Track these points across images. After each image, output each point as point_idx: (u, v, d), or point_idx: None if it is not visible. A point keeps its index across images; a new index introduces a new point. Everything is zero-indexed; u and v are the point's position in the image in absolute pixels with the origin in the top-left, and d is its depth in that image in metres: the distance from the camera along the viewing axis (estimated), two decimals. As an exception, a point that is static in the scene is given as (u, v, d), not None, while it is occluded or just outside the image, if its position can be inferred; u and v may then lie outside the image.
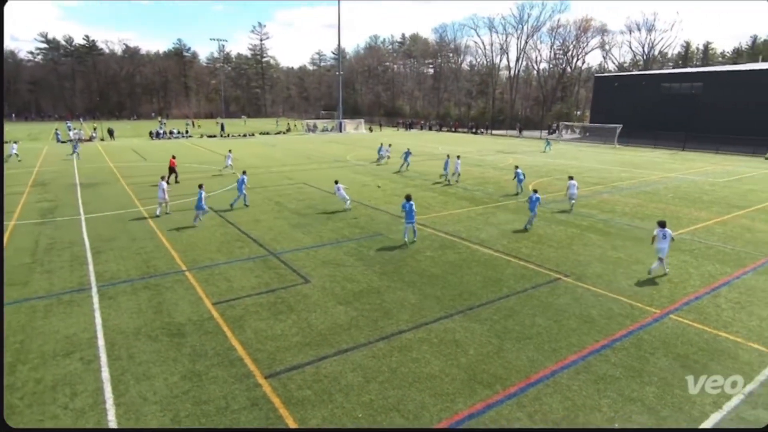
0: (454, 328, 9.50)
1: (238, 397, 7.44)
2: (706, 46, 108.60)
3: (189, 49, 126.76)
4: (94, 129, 63.85)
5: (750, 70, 56.93)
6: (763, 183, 27.97)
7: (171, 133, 60.94)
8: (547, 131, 68.17)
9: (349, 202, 19.60)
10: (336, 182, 20.31)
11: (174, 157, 27.52)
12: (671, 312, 10.29)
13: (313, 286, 11.51)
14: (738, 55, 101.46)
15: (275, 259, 13.38)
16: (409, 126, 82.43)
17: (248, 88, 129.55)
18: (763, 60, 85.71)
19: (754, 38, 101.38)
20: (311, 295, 11.02)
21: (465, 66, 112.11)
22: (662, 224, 12.37)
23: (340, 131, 70.23)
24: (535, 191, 17.04)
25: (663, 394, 7.58)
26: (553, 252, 14.19)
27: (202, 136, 61.49)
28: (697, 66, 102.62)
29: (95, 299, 10.82)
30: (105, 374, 7.99)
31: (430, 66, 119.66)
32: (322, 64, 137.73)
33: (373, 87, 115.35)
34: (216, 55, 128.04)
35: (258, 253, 13.89)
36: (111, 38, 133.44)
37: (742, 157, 42.40)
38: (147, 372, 8.06)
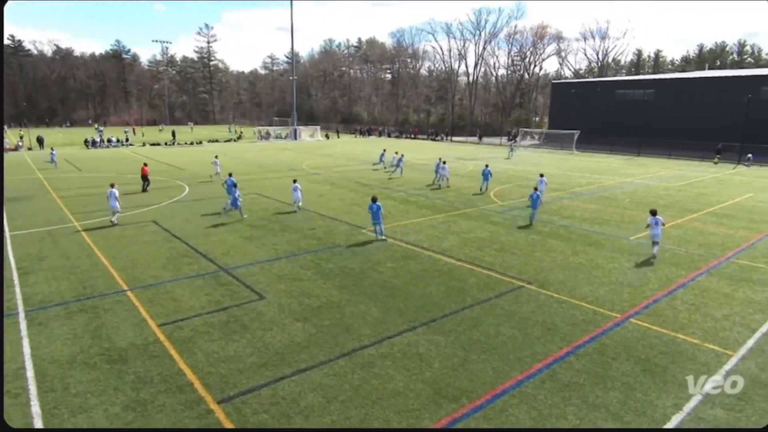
0: (417, 342, 9.56)
1: (189, 425, 7.16)
2: (657, 54, 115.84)
3: (128, 51, 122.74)
4: (21, 137, 60.45)
5: (698, 78, 60.99)
6: (712, 187, 29.90)
7: (109, 141, 58.56)
8: (506, 137, 70.33)
9: (300, 203, 20.81)
10: (294, 181, 21.72)
11: (146, 165, 27.04)
12: (632, 316, 10.78)
13: (269, 302, 11.30)
14: (686, 63, 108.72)
15: (227, 275, 13.05)
16: (368, 132, 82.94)
17: (195, 94, 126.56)
18: (710, 68, 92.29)
19: (701, 47, 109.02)
20: (266, 312, 10.81)
21: (423, 71, 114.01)
22: (654, 212, 14.98)
23: (295, 138, 69.79)
24: (536, 189, 19.74)
25: (626, 399, 7.90)
26: (515, 259, 14.58)
27: (144, 144, 59.44)
28: (648, 73, 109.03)
29: (23, 325, 10.16)
30: (35, 408, 7.50)
31: (388, 71, 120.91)
32: (275, 68, 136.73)
33: (329, 92, 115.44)
34: (159, 57, 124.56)
35: (208, 269, 13.51)
36: (40, 38, 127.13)
37: (693, 161, 45.20)
38: (84, 404, 7.63)
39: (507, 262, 14.36)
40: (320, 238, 16.64)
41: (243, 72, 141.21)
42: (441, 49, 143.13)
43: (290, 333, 9.87)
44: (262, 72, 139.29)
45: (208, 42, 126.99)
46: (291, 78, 75.02)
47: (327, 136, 74.60)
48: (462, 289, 12.12)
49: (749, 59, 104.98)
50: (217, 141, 64.87)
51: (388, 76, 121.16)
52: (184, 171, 34.08)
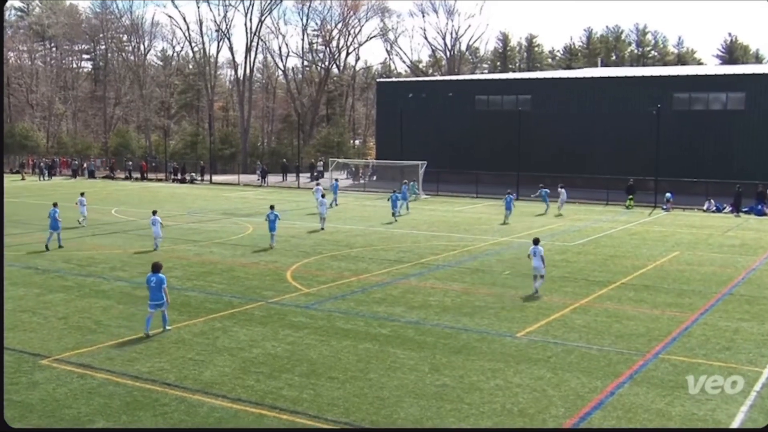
0: None
1: None
2: (530, 41, 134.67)
3: None
4: None
5: (590, 78, 72.05)
6: (625, 245, 35.02)
7: None
8: (295, 172, 72.74)
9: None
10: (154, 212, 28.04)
11: None
12: (530, 466, 11.71)
13: None
14: (572, 56, 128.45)
15: None
16: (48, 170, 78.49)
17: None
18: (603, 64, 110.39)
19: (589, 33, 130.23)
20: None
21: (154, 59, 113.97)
22: (536, 242, 23.44)
23: None
24: (510, 192, 36.49)
25: None
26: (337, 389, 14.84)
27: None
28: (521, 70, 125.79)
29: None
30: None
31: (87, 57, 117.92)
32: None
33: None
34: None
35: None
36: None
37: (595, 206, 52.64)
38: None
39: (323, 394, 14.52)
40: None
41: None
42: (185, 20, 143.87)
43: None
44: None
45: None
46: None
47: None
48: (245, 456, 11.87)
49: (653, 52, 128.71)
50: None
51: (88, 65, 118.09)
52: None
